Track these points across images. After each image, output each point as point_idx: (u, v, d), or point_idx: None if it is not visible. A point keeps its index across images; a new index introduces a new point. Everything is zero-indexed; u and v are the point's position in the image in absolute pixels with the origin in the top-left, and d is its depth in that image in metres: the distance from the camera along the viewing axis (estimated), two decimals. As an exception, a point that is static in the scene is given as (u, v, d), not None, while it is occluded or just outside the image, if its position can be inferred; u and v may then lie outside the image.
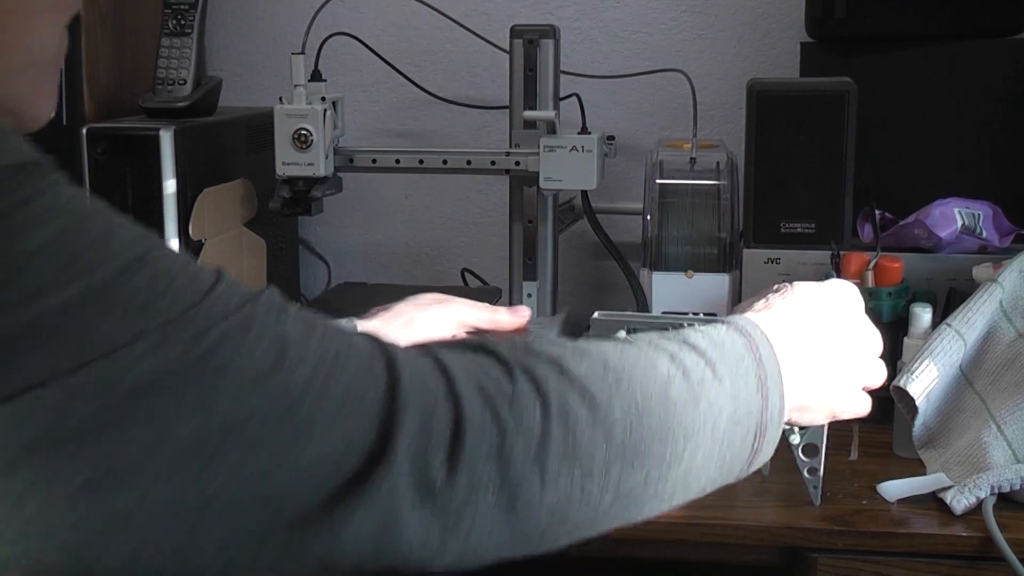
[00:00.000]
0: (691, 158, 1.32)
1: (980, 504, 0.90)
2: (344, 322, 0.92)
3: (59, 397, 0.39)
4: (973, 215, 1.22)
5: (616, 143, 1.39)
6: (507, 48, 1.31)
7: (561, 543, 0.55)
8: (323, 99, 1.28)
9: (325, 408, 0.44)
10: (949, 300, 1.15)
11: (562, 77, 1.34)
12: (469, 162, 1.31)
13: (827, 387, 0.72)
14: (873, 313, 0.78)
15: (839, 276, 1.10)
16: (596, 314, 0.92)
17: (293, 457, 0.43)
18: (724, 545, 0.92)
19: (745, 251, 1.24)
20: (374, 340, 0.50)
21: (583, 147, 1.26)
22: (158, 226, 1.24)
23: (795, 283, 0.74)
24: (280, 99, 1.28)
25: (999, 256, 1.12)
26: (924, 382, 0.98)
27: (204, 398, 0.41)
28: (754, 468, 0.66)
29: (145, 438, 0.40)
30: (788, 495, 0.95)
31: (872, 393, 0.76)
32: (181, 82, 1.33)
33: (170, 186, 1.24)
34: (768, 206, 1.23)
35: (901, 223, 1.23)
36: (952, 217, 1.20)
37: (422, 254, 1.66)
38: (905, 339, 1.04)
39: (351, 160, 1.33)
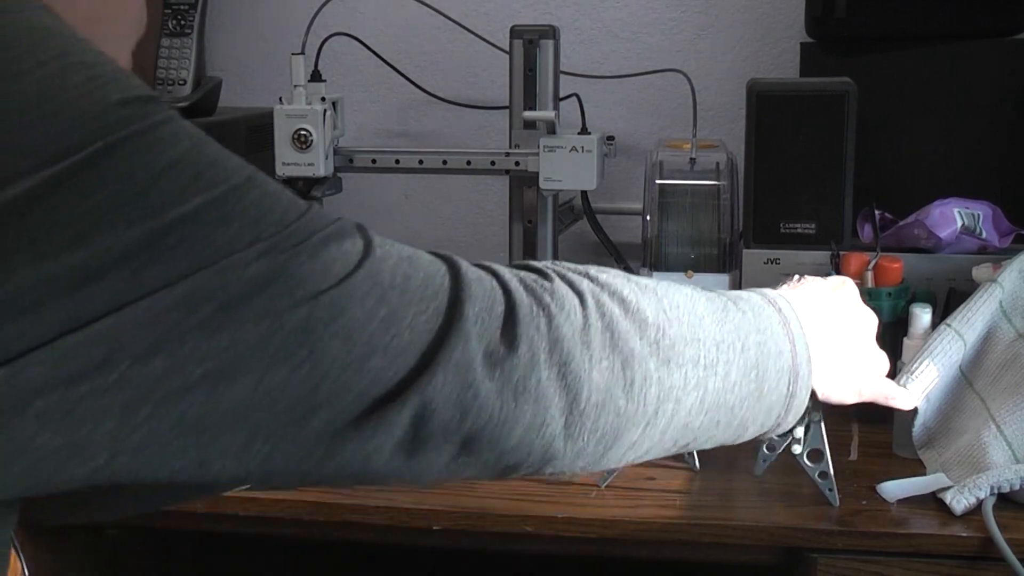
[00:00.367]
0: (691, 158, 1.32)
1: (980, 504, 0.90)
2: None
3: (186, 296, 0.43)
4: (973, 215, 1.22)
5: (616, 143, 1.39)
6: (507, 48, 1.31)
7: (611, 440, 0.58)
8: (323, 99, 1.28)
9: (409, 296, 0.50)
10: (949, 300, 1.15)
11: (562, 77, 1.34)
12: (469, 162, 1.31)
13: (849, 362, 0.75)
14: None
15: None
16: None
17: (387, 341, 0.49)
18: (723, 545, 0.92)
19: (745, 251, 1.24)
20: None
21: (583, 147, 1.26)
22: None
23: (805, 276, 0.78)
24: (280, 99, 1.28)
25: (999, 256, 1.12)
26: (924, 382, 0.98)
27: (309, 291, 0.46)
28: (790, 421, 0.69)
29: (259, 330, 0.45)
30: (788, 495, 0.95)
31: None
32: (181, 82, 1.33)
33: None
34: (768, 206, 1.23)
35: (901, 223, 1.23)
36: (952, 217, 1.20)
37: (422, 254, 1.65)
38: (905, 339, 1.04)
39: (351, 160, 1.33)
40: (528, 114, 1.29)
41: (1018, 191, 1.33)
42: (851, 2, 1.35)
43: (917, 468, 0.98)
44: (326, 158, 1.28)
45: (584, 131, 1.28)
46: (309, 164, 1.26)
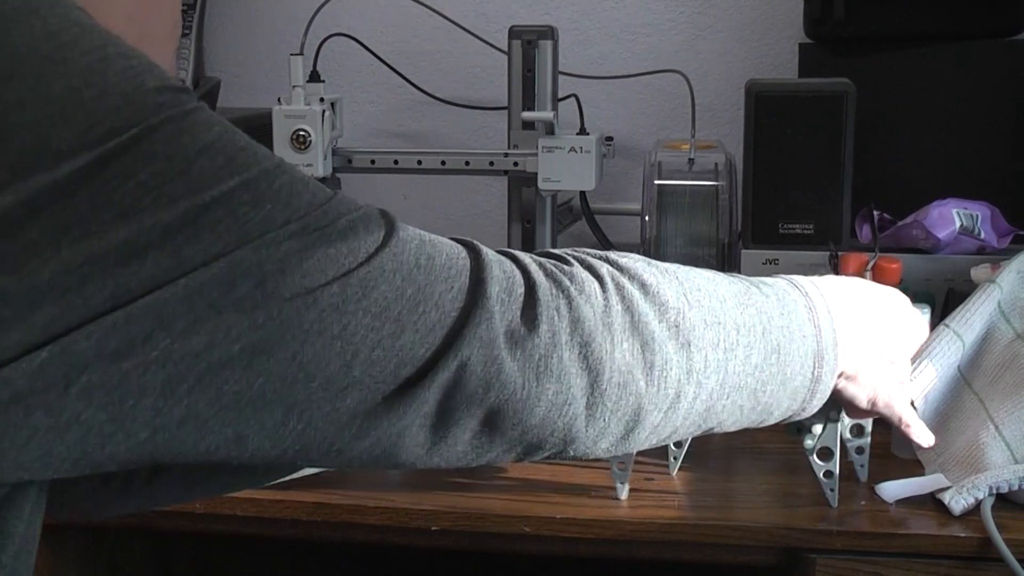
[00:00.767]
0: (689, 159, 1.32)
1: (978, 505, 0.90)
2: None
3: (224, 273, 0.44)
4: (971, 216, 1.22)
5: (614, 144, 1.40)
6: (505, 49, 1.31)
7: (632, 422, 0.59)
8: (321, 100, 1.28)
9: (435, 275, 0.52)
10: (947, 301, 1.15)
11: (560, 78, 1.34)
12: (467, 163, 1.31)
13: (875, 362, 0.74)
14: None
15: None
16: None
17: (415, 319, 0.50)
18: (722, 546, 0.92)
19: (743, 252, 1.24)
20: None
21: (581, 148, 1.26)
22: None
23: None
24: (279, 100, 1.28)
25: (997, 257, 1.12)
26: (922, 383, 0.98)
27: (340, 268, 0.48)
28: (816, 405, 0.69)
29: (294, 306, 0.46)
30: (787, 496, 0.95)
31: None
32: (179, 83, 1.33)
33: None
34: (766, 207, 1.23)
35: (899, 224, 1.23)
36: (950, 218, 1.20)
37: (421, 255, 1.65)
38: (904, 340, 1.04)
39: (349, 161, 1.33)
40: (527, 115, 1.29)
41: (1017, 192, 1.33)
42: (849, 3, 1.35)
43: (916, 469, 0.98)
44: (325, 159, 1.28)
45: (583, 131, 1.28)
46: (308, 165, 1.26)
